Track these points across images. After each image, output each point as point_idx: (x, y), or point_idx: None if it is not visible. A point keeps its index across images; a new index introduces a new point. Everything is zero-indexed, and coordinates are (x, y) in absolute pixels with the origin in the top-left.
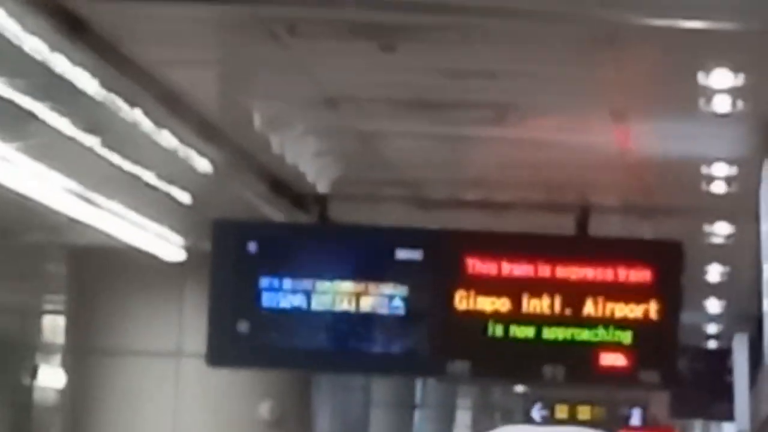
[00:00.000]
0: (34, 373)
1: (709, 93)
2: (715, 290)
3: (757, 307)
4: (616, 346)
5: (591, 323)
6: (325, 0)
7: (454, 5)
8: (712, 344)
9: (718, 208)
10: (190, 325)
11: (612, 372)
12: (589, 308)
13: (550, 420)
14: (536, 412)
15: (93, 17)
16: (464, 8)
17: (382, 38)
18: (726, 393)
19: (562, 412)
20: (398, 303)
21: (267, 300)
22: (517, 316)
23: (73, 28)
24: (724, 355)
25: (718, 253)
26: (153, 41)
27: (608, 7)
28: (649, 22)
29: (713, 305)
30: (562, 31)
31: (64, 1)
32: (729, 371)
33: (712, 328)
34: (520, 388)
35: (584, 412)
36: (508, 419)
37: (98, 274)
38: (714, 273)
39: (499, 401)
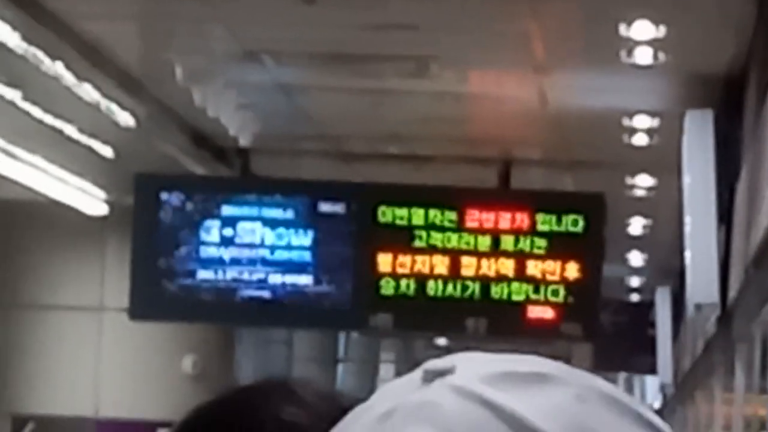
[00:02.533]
0: None
1: (630, 44)
2: (637, 243)
3: (680, 261)
4: (540, 300)
5: (514, 277)
6: None
7: None
8: (634, 297)
9: (640, 161)
10: (111, 280)
11: (536, 325)
12: (511, 262)
13: None
14: None
15: None
16: None
17: None
18: (648, 346)
19: None
20: (321, 256)
21: (190, 253)
22: (439, 271)
23: None
24: (646, 308)
25: (641, 206)
26: None
27: None
28: None
29: (635, 258)
30: None
31: None
32: (651, 324)
33: (634, 281)
34: (442, 342)
35: None
36: None
37: (20, 229)
38: (636, 226)
39: (422, 355)
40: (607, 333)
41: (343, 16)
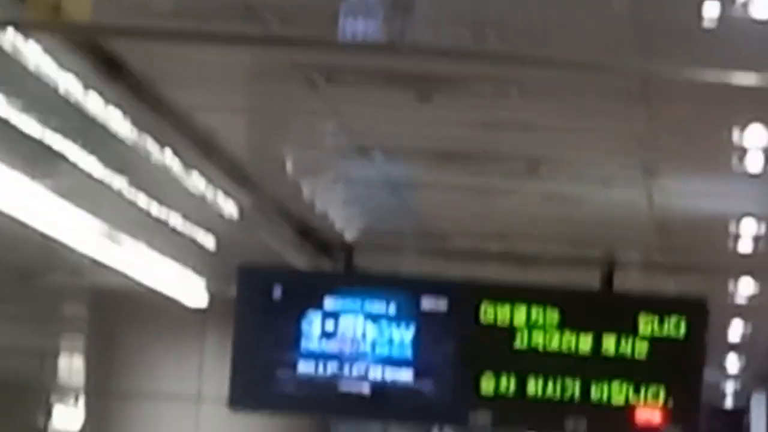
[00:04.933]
0: (48, 415)
1: (742, 150)
2: (734, 348)
3: None
4: (641, 403)
5: (618, 377)
6: (363, 48)
7: (490, 56)
8: (728, 403)
9: (744, 266)
10: (210, 370)
11: (638, 427)
12: (615, 363)
13: None
14: None
15: (129, 58)
16: (501, 59)
17: (419, 88)
18: None
19: None
20: (422, 352)
21: (291, 346)
22: (541, 369)
23: (109, 68)
24: (740, 413)
25: (741, 311)
26: (188, 84)
27: (644, 59)
28: (683, 75)
29: (732, 363)
30: (597, 83)
31: (102, 40)
32: (747, 430)
33: (729, 387)
34: None
35: None
36: None
37: (120, 317)
38: (735, 331)
39: None
40: None
41: (457, 114)
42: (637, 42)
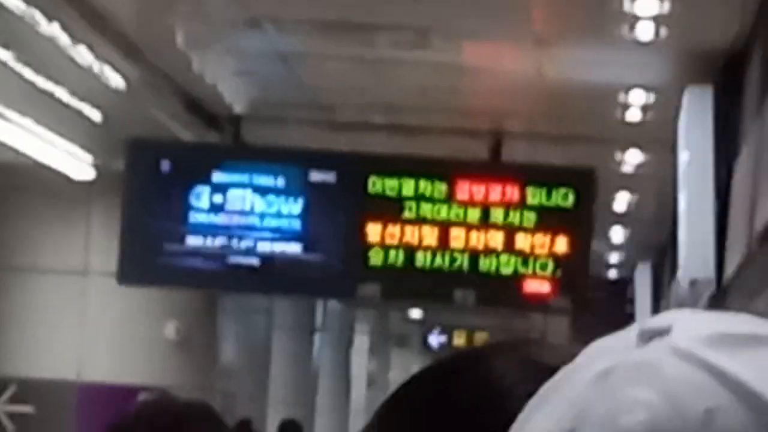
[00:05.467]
0: None
1: (632, 19)
2: (620, 219)
3: (662, 237)
4: (529, 274)
5: (503, 250)
6: None
7: None
8: (612, 274)
9: (631, 136)
10: (96, 244)
11: (525, 299)
12: (500, 234)
13: (447, 347)
14: (434, 339)
15: None
16: None
17: None
18: (626, 323)
19: (459, 338)
20: (310, 225)
21: (179, 220)
22: (428, 242)
23: None
24: (624, 284)
25: (627, 182)
26: None
27: None
28: None
29: (617, 234)
30: None
31: None
32: (630, 301)
33: (613, 258)
34: (416, 314)
35: (482, 339)
36: (405, 344)
37: (5, 191)
38: (621, 202)
39: (396, 327)
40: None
41: None
42: None
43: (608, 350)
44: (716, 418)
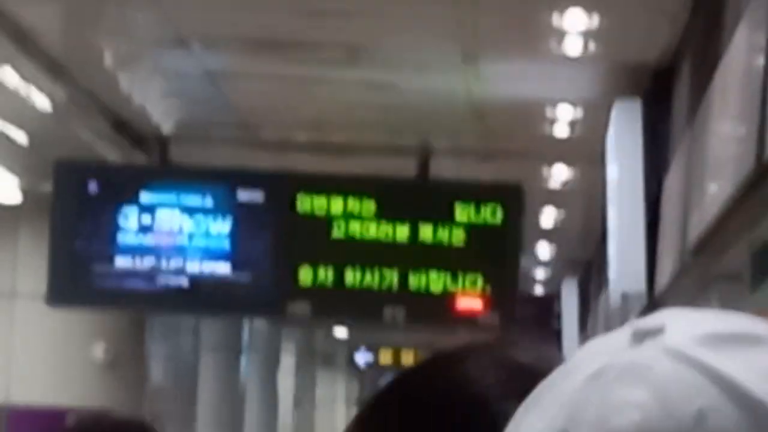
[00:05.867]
0: None
1: (561, 34)
2: (546, 234)
3: (588, 253)
4: (458, 291)
5: (435, 266)
6: None
7: None
8: (539, 289)
9: (558, 151)
10: (24, 266)
11: (454, 315)
12: (433, 252)
13: (373, 365)
14: (360, 357)
15: None
16: None
17: None
18: (552, 339)
19: (386, 356)
20: (239, 244)
21: (108, 241)
22: (358, 259)
23: None
24: (551, 300)
25: (554, 197)
26: None
27: None
28: None
29: (543, 250)
30: None
31: None
32: (557, 316)
33: (540, 273)
34: (342, 333)
35: (408, 357)
36: (331, 363)
37: None
38: (548, 217)
39: (322, 346)
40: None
41: (280, 1)
42: None
43: (601, 351)
44: (708, 418)
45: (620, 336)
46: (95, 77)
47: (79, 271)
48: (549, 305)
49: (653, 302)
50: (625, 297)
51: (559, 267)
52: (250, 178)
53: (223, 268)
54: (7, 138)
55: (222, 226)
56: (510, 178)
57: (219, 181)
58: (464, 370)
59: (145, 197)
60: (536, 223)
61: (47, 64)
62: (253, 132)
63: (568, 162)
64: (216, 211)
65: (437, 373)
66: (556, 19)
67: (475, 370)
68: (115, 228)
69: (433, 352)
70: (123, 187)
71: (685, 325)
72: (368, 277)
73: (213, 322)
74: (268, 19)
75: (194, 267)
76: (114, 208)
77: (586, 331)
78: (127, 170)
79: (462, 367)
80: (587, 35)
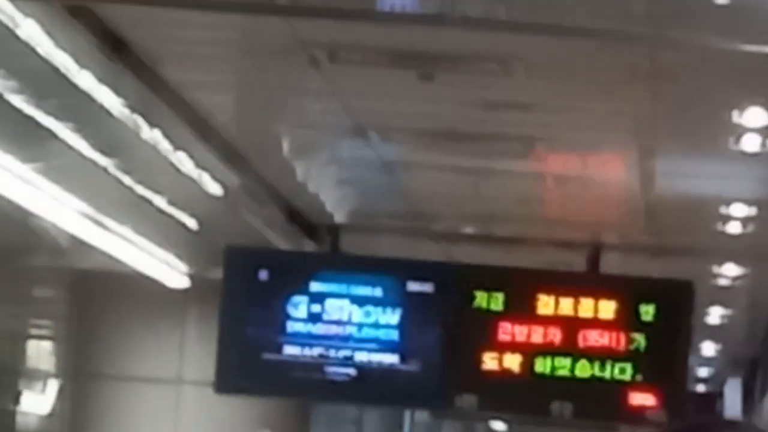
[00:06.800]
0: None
1: (740, 131)
2: (711, 333)
3: (756, 350)
4: (634, 386)
5: (604, 359)
6: (367, 27)
7: (494, 35)
8: (701, 388)
9: (728, 250)
10: (191, 353)
11: (624, 410)
12: (601, 344)
13: None
14: None
15: (128, 35)
16: (505, 38)
17: (422, 67)
18: None
19: None
20: (409, 334)
21: (277, 329)
22: (529, 351)
23: (108, 46)
24: (713, 398)
25: (721, 295)
26: (182, 61)
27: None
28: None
29: (707, 348)
30: (603, 60)
31: (101, 17)
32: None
33: (703, 372)
34: (500, 426)
35: None
36: None
37: (100, 299)
38: (714, 315)
39: None
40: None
41: (458, 93)
42: (648, 13)
43: None
44: None
45: None
46: (270, 164)
47: (248, 359)
48: (712, 403)
49: None
50: None
51: (723, 364)
52: (420, 270)
53: (391, 359)
54: (177, 222)
55: (391, 317)
56: (679, 275)
57: (389, 272)
58: None
59: (315, 286)
60: (702, 320)
61: (222, 150)
62: (425, 222)
63: (738, 260)
64: (385, 301)
65: None
66: (735, 116)
67: None
68: (285, 316)
69: None
70: (293, 275)
71: None
72: (539, 367)
73: (375, 411)
74: (444, 111)
75: (362, 357)
76: (284, 295)
77: None
78: (298, 258)
79: None
80: (765, 133)
